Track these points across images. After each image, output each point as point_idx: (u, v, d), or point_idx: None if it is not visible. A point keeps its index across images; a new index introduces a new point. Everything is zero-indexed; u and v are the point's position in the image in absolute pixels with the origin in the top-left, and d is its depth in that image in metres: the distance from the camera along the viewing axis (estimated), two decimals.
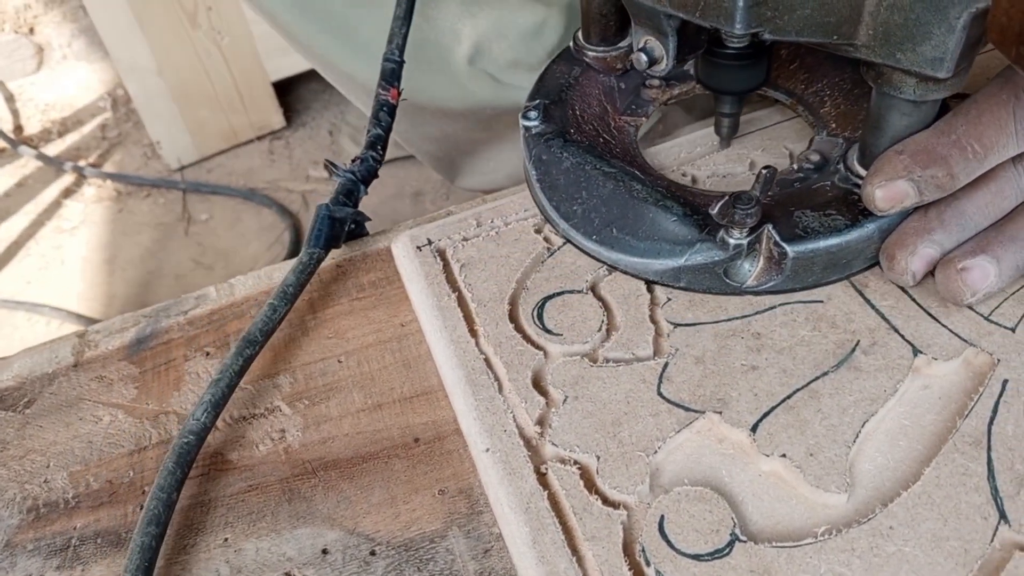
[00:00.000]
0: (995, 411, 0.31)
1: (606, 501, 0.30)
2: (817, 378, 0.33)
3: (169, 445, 0.37)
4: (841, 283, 0.36)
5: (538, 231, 0.41)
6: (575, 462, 0.31)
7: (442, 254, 0.41)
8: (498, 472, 0.31)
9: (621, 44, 0.42)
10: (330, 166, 0.44)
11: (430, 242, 0.41)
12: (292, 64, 1.21)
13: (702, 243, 0.35)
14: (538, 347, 0.36)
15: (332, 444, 0.36)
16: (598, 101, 0.43)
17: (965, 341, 0.33)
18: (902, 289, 0.35)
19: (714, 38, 0.37)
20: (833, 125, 0.40)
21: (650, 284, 0.37)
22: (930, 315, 0.34)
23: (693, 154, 0.43)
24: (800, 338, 0.34)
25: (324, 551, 0.33)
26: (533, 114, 0.41)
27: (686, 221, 0.36)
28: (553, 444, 0.32)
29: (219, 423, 0.38)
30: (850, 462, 0.30)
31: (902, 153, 0.32)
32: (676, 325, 0.35)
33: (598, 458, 0.31)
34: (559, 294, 0.38)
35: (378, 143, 0.45)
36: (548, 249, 0.40)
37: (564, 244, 0.40)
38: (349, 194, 0.43)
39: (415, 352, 0.39)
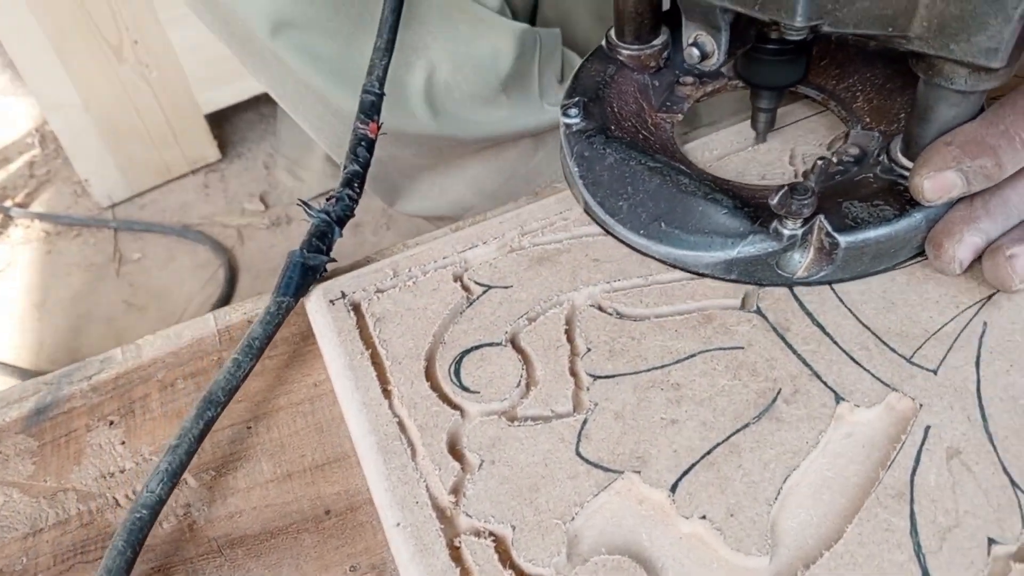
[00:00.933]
0: (917, 460, 0.30)
1: (521, 575, 0.29)
2: (738, 431, 0.32)
3: (66, 527, 0.35)
4: (762, 328, 0.35)
5: (457, 279, 0.39)
6: (490, 534, 0.30)
7: (356, 308, 0.39)
8: (409, 548, 0.30)
9: (655, 42, 0.43)
10: (304, 206, 0.42)
11: (344, 295, 0.39)
12: (225, 95, 1.18)
13: (754, 234, 0.35)
14: (455, 406, 0.34)
15: (239, 519, 0.34)
16: (634, 99, 0.43)
17: (887, 386, 0.32)
18: (823, 332, 0.35)
19: (759, 33, 0.38)
20: (867, 119, 0.40)
21: (570, 335, 0.36)
22: (852, 359, 0.34)
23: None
24: (720, 388, 0.33)
25: None
26: (573, 111, 0.41)
27: (737, 213, 0.36)
28: (467, 515, 0.30)
29: (121, 499, 0.36)
30: (772, 520, 0.29)
31: (951, 144, 0.32)
32: (596, 378, 0.34)
33: (514, 528, 0.30)
34: (477, 348, 0.36)
35: (355, 180, 0.43)
36: (467, 298, 0.38)
37: (484, 293, 0.38)
38: (323, 237, 0.41)
39: (328, 415, 0.37)
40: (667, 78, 0.44)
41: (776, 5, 0.29)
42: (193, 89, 1.16)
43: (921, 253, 0.36)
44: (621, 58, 0.43)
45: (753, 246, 0.35)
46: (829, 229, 0.34)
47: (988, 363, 0.33)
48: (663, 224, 0.37)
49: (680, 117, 0.43)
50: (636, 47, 0.43)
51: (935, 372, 0.33)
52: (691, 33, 0.37)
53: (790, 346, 0.34)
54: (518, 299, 0.38)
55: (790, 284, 0.36)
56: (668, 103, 0.44)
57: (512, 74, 0.61)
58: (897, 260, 0.36)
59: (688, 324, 0.36)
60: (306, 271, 0.39)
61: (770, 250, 0.35)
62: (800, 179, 0.40)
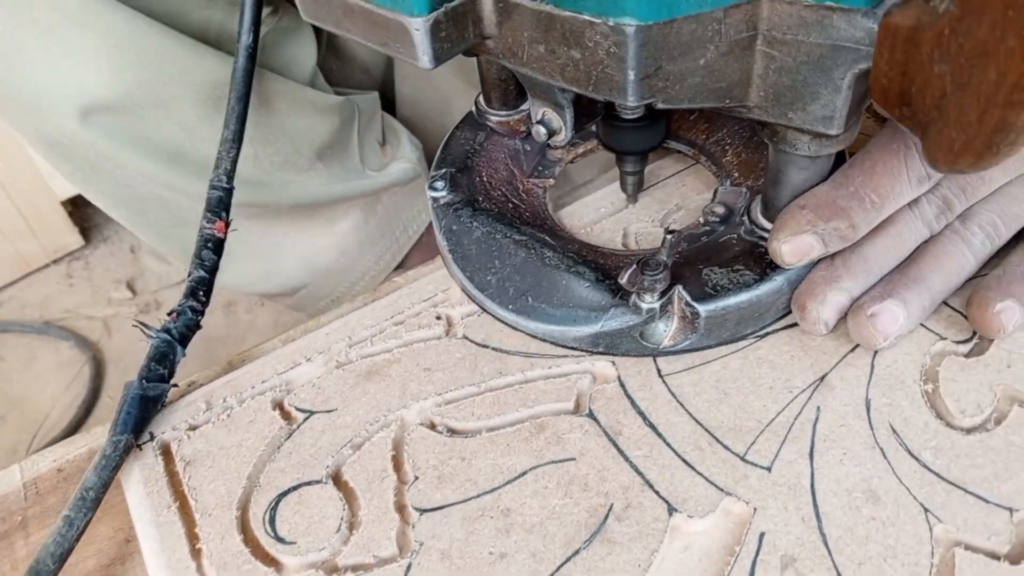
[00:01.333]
0: (752, 573, 0.29)
1: None
2: (569, 558, 0.30)
3: None
4: (595, 433, 0.33)
5: (276, 406, 0.37)
6: None
7: (166, 450, 0.36)
8: None
9: (523, 107, 0.42)
10: (141, 327, 0.38)
11: (152, 437, 0.36)
12: None
13: (616, 308, 0.35)
14: (270, 561, 0.31)
15: None
16: (505, 165, 0.43)
17: (721, 490, 0.31)
18: (657, 434, 0.33)
19: (610, 104, 0.37)
20: (736, 174, 0.40)
21: (397, 462, 0.34)
22: (685, 462, 0.32)
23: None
24: (552, 509, 0.31)
25: None
26: (440, 184, 0.41)
27: (599, 287, 0.36)
28: None
29: None
30: None
31: (804, 208, 0.33)
32: (422, 512, 0.32)
33: None
34: (296, 488, 0.33)
35: (200, 288, 0.40)
36: (287, 428, 0.35)
37: (306, 419, 0.36)
38: (164, 359, 0.37)
39: None
40: (539, 142, 0.43)
41: (608, 86, 0.28)
42: (46, 176, 1.10)
43: (788, 313, 0.36)
44: (491, 124, 0.43)
45: (615, 320, 0.35)
46: (688, 299, 0.34)
47: (821, 453, 0.32)
48: (530, 299, 0.37)
49: (552, 181, 0.43)
50: (504, 112, 0.43)
51: (769, 469, 0.31)
52: (538, 110, 0.37)
53: (622, 452, 0.33)
54: (343, 424, 0.35)
55: (655, 355, 0.36)
56: (540, 167, 0.44)
57: (328, 144, 0.60)
58: (764, 323, 0.36)
59: (520, 436, 0.34)
60: (146, 403, 0.36)
61: (631, 323, 0.35)
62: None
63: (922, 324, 0.35)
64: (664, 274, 0.33)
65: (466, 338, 0.38)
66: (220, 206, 0.43)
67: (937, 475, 0.31)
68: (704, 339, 0.35)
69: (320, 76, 0.62)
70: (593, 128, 0.42)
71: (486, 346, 0.37)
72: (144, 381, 0.36)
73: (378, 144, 0.63)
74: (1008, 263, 0.35)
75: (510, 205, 0.41)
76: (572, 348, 0.36)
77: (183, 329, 0.38)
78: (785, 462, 0.32)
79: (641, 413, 0.34)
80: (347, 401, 0.36)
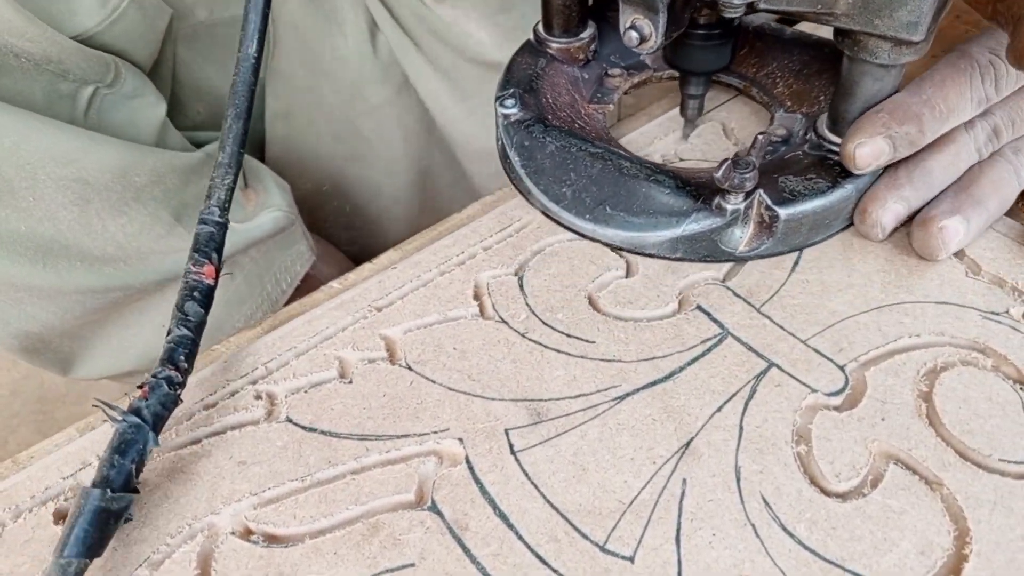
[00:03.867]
0: None
1: None
2: None
3: None
4: (438, 531, 0.29)
5: (60, 519, 0.30)
6: None
7: None
8: None
9: (583, 35, 0.44)
10: (103, 407, 0.30)
11: None
12: None
13: (698, 212, 0.36)
14: None
15: None
16: (566, 90, 0.44)
17: None
18: (508, 525, 0.29)
19: (690, 19, 0.39)
20: (789, 103, 0.42)
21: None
22: (540, 558, 0.28)
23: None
24: None
25: None
26: (510, 102, 0.41)
27: (679, 192, 0.37)
28: None
29: None
30: None
31: (881, 111, 0.35)
32: None
33: None
34: None
35: (181, 351, 0.32)
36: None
37: None
38: (129, 448, 0.29)
39: None
40: (595, 71, 0.46)
41: None
42: None
43: (851, 224, 0.38)
44: (551, 51, 0.44)
45: (697, 223, 0.36)
46: (769, 203, 0.35)
47: (689, 536, 0.28)
48: (608, 207, 0.37)
49: (611, 107, 0.44)
50: (565, 40, 0.44)
51: (632, 559, 0.28)
52: (628, 17, 0.37)
53: (469, 553, 0.28)
54: (139, 538, 0.30)
55: (733, 260, 0.37)
56: (598, 95, 0.45)
57: (186, 203, 0.53)
58: (831, 231, 0.38)
59: (351, 541, 0.29)
60: (106, 519, 0.28)
61: (714, 226, 0.36)
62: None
63: (792, 375, 0.33)
64: (753, 172, 0.34)
65: (290, 421, 0.33)
66: (210, 245, 0.35)
67: (813, 553, 0.28)
68: (778, 244, 0.37)
69: (170, 128, 0.55)
70: (647, 61, 0.46)
71: (313, 429, 0.32)
72: (107, 489, 0.28)
73: (240, 191, 0.57)
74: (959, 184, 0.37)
75: (576, 125, 0.41)
76: (651, 255, 0.37)
77: (157, 408, 0.30)
78: (649, 549, 0.28)
79: (491, 501, 0.30)
80: (144, 508, 0.30)
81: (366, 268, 0.39)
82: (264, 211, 0.59)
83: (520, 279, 0.37)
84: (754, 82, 0.45)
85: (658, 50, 0.37)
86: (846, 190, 0.36)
